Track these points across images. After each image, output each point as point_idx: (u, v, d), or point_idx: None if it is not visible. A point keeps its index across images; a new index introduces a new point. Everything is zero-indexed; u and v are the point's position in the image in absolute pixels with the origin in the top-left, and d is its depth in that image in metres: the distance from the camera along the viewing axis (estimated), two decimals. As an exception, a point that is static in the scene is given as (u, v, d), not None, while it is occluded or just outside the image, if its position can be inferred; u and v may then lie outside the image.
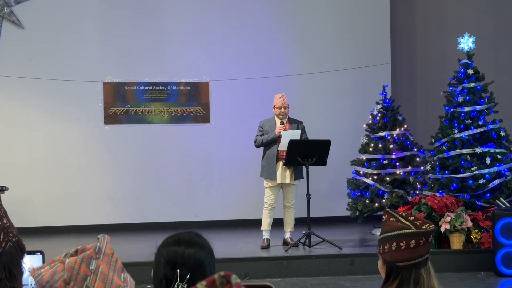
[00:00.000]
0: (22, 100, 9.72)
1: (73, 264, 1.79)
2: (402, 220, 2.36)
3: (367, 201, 8.63)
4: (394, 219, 2.38)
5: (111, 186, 9.92)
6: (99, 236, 1.90)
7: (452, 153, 8.03)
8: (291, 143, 7.51)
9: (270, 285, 1.75)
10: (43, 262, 2.77)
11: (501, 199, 7.60)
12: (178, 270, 2.00)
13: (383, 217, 2.43)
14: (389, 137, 8.84)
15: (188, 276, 1.99)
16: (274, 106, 7.90)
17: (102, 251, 1.84)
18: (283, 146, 7.63)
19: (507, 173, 7.88)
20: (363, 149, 8.94)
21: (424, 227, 2.33)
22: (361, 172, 8.83)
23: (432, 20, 10.95)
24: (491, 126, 8.09)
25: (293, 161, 7.60)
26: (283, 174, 7.72)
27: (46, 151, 9.74)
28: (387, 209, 2.46)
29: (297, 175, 7.77)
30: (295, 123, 7.88)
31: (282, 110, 7.82)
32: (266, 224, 7.84)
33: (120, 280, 1.83)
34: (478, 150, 7.92)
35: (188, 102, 10.16)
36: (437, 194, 7.77)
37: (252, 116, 9.45)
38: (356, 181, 8.87)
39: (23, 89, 9.68)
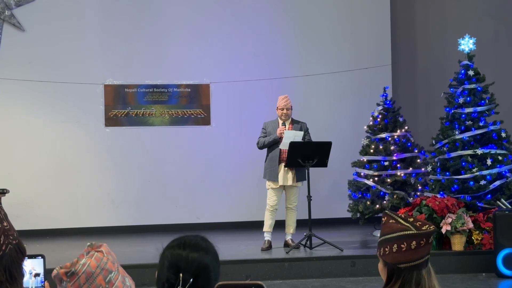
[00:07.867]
0: (22, 103, 9.72)
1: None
2: (402, 221, 2.36)
3: (368, 203, 8.63)
4: (393, 221, 2.38)
5: (112, 188, 9.92)
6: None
7: (453, 154, 8.02)
8: (292, 145, 7.50)
9: (262, 284, 1.74)
10: (44, 265, 2.79)
11: (502, 200, 7.59)
12: (181, 274, 1.98)
13: (382, 219, 2.43)
14: (390, 138, 8.84)
15: (191, 281, 1.97)
16: (277, 107, 7.90)
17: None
18: (284, 145, 7.60)
19: (508, 174, 7.87)
20: (364, 151, 8.94)
21: (424, 228, 2.33)
22: (362, 174, 8.83)
23: (433, 22, 10.95)
24: (491, 127, 8.08)
25: (294, 162, 7.59)
26: (285, 176, 7.71)
27: (47, 154, 9.74)
28: (386, 211, 2.45)
29: (299, 177, 7.75)
30: (298, 124, 7.87)
31: (284, 111, 7.81)
32: (267, 226, 7.83)
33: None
34: (479, 151, 7.91)
35: (189, 104, 10.16)
36: (438, 196, 7.76)
37: (252, 118, 9.46)
38: (357, 183, 8.87)
39: (24, 91, 9.68)
